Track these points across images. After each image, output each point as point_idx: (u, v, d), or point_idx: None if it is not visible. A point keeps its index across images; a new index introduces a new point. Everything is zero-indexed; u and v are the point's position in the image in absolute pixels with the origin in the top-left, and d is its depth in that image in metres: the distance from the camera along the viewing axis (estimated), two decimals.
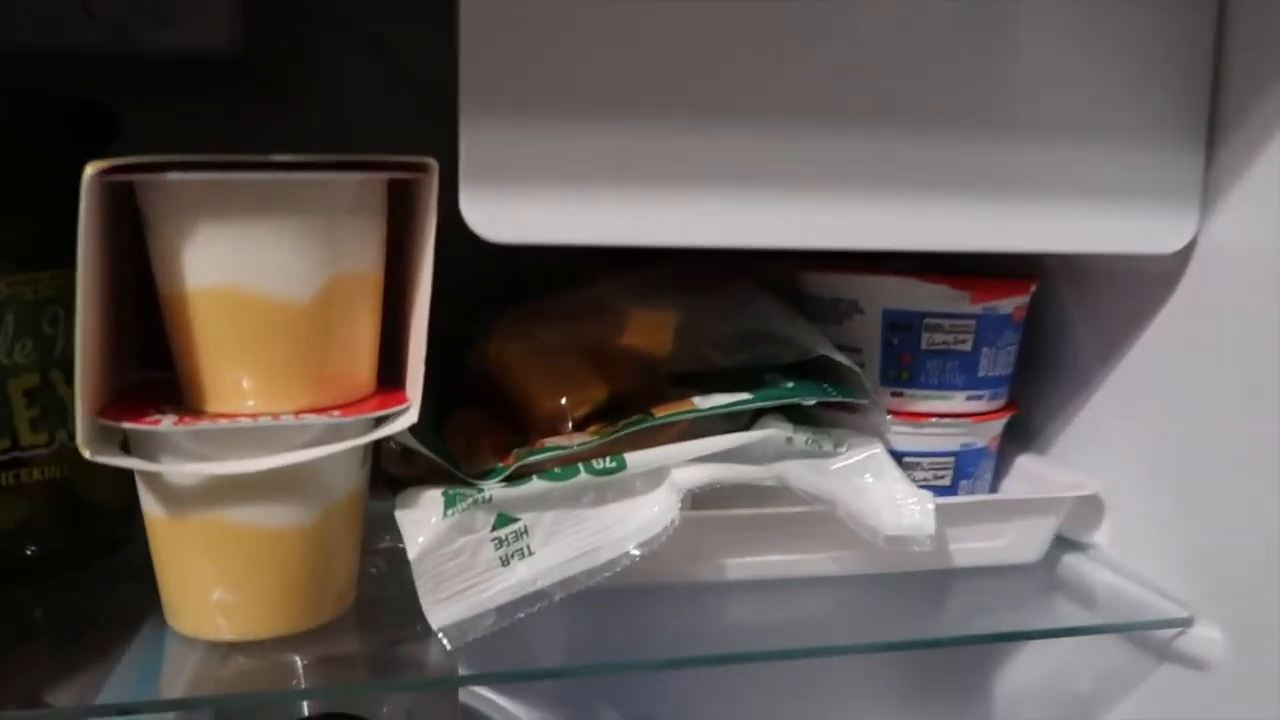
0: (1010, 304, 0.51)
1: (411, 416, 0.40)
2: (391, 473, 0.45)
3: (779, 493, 0.46)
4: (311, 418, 0.39)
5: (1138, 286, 0.50)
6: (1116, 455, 0.52)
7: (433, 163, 0.38)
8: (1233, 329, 0.44)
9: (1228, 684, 0.44)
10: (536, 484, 0.42)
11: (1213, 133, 0.44)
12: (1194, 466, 0.47)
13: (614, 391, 0.50)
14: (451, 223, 0.38)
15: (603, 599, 0.46)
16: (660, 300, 0.51)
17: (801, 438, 0.47)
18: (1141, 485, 0.50)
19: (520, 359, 0.50)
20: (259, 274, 0.38)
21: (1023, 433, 0.57)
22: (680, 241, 0.39)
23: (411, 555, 0.39)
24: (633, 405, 0.48)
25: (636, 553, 0.42)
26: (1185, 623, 0.46)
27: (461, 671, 0.43)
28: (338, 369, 0.41)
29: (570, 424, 0.48)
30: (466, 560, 0.40)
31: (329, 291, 0.39)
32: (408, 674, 0.42)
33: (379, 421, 0.41)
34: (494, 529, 0.41)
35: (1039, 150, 0.42)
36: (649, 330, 0.50)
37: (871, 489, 0.47)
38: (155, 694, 0.41)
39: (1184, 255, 0.46)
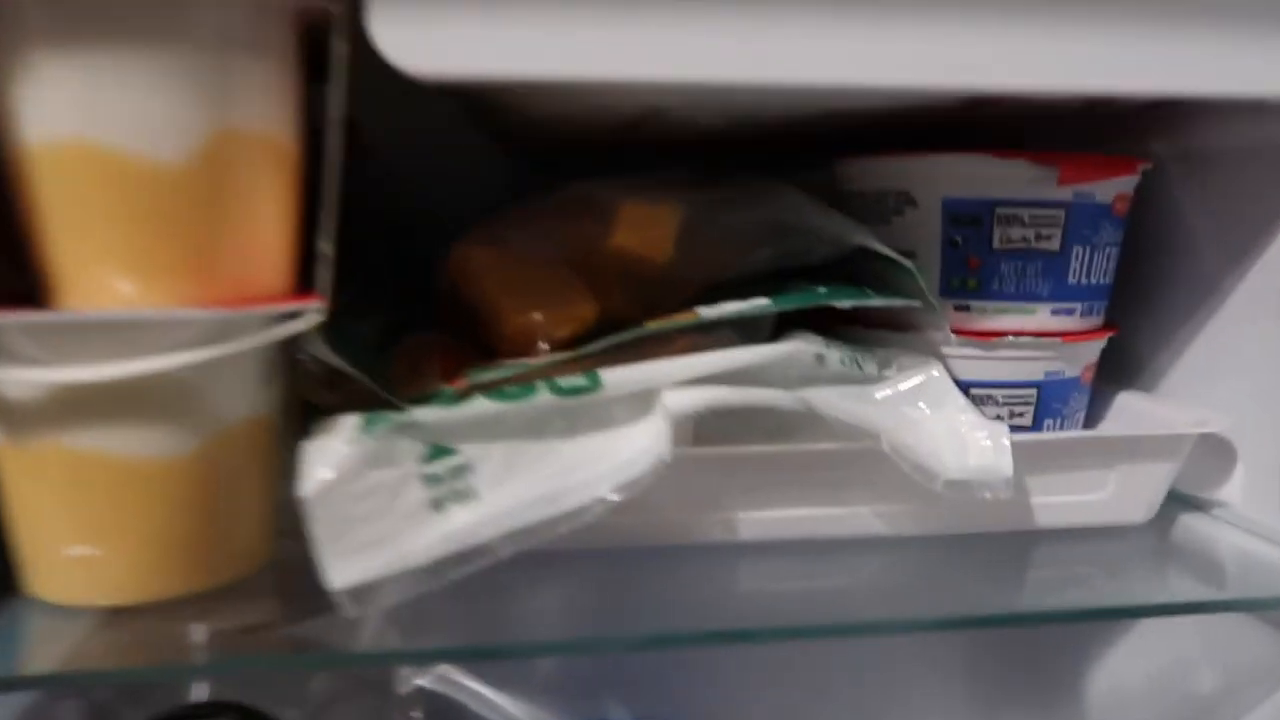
0: (1110, 188, 0.39)
1: (316, 314, 0.30)
2: (314, 402, 0.36)
3: (807, 426, 0.36)
4: (178, 311, 0.30)
5: (1275, 164, 0.38)
6: (1249, 389, 0.40)
7: None
8: None
9: None
10: (482, 404, 0.32)
11: None
12: None
13: (606, 311, 0.40)
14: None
15: (581, 563, 0.36)
16: (659, 194, 0.41)
17: (836, 355, 0.36)
18: None
19: (487, 268, 0.41)
20: (117, 122, 0.29)
21: (1125, 363, 0.45)
22: (662, 74, 0.29)
23: (305, 492, 0.29)
24: (630, 326, 0.38)
25: (614, 497, 0.32)
26: None
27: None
28: (229, 258, 0.32)
29: (547, 347, 0.39)
30: (384, 501, 0.31)
31: (213, 152, 0.30)
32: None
33: (279, 323, 0.31)
34: (426, 461, 0.31)
35: None
36: (643, 226, 0.40)
37: (927, 421, 0.36)
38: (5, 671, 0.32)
39: None
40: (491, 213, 0.46)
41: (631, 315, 0.39)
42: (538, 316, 0.39)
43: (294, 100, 0.33)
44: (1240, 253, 0.41)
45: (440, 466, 0.32)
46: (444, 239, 0.45)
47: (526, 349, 0.39)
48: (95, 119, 0.29)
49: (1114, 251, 0.41)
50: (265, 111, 0.32)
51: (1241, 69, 0.32)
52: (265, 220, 0.32)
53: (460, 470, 0.32)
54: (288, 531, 0.35)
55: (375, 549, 0.30)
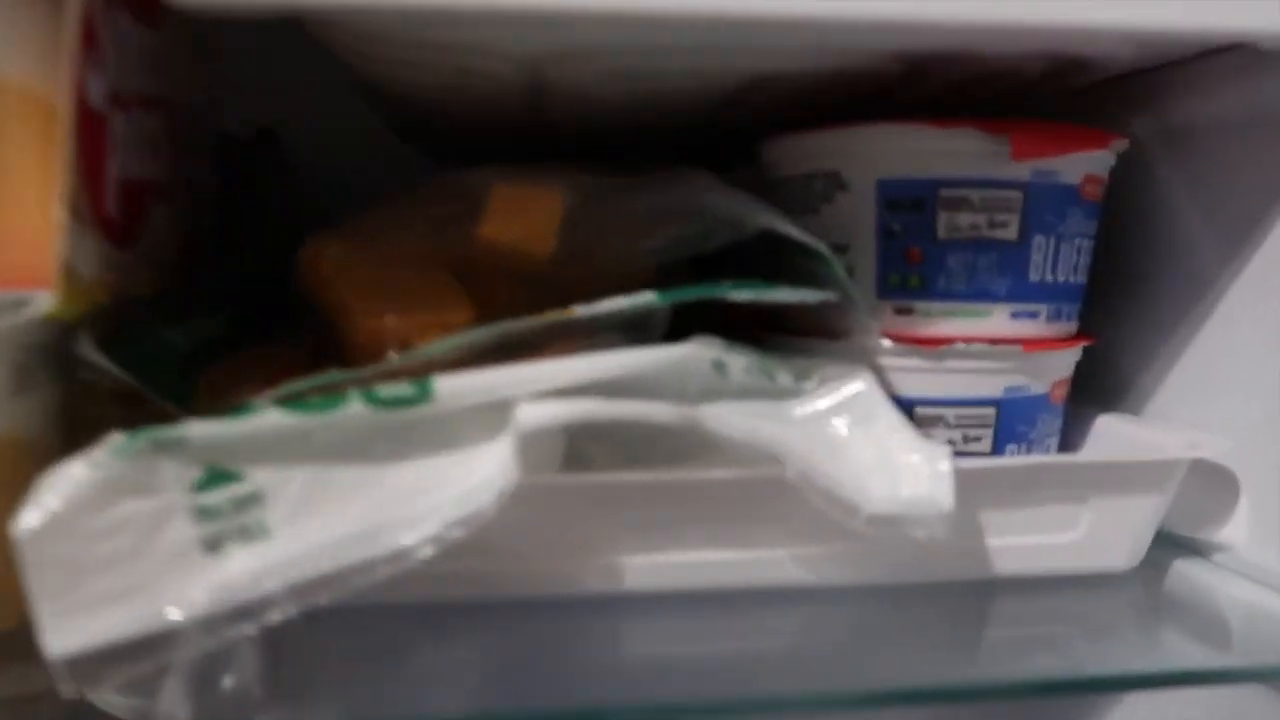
0: (1077, 167, 0.33)
1: (45, 300, 0.24)
2: (107, 419, 0.29)
3: (709, 454, 0.29)
4: None
5: (1275, 138, 0.32)
6: (1253, 408, 0.33)
7: None
8: None
9: None
10: (275, 417, 0.25)
11: None
12: None
13: (483, 314, 0.33)
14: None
15: (425, 620, 0.29)
16: (542, 179, 0.35)
17: (740, 362, 0.30)
18: None
19: (339, 266, 0.34)
20: None
21: (1105, 379, 0.39)
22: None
23: (19, 529, 0.23)
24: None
25: (450, 534, 0.26)
26: None
27: None
28: None
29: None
30: (136, 540, 0.24)
31: None
32: None
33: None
34: (198, 490, 0.25)
35: None
36: (520, 215, 0.34)
37: (851, 442, 0.29)
38: None
39: None
40: None
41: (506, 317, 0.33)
42: (392, 320, 0.32)
43: (44, 39, 0.27)
44: (1237, 243, 0.34)
45: (218, 496, 0.25)
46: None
47: (379, 359, 0.32)
48: None
49: (1085, 244, 0.35)
50: (10, 51, 0.26)
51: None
52: (12, 184, 0.26)
53: (246, 501, 0.25)
54: None
55: (118, 603, 0.23)
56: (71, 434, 0.29)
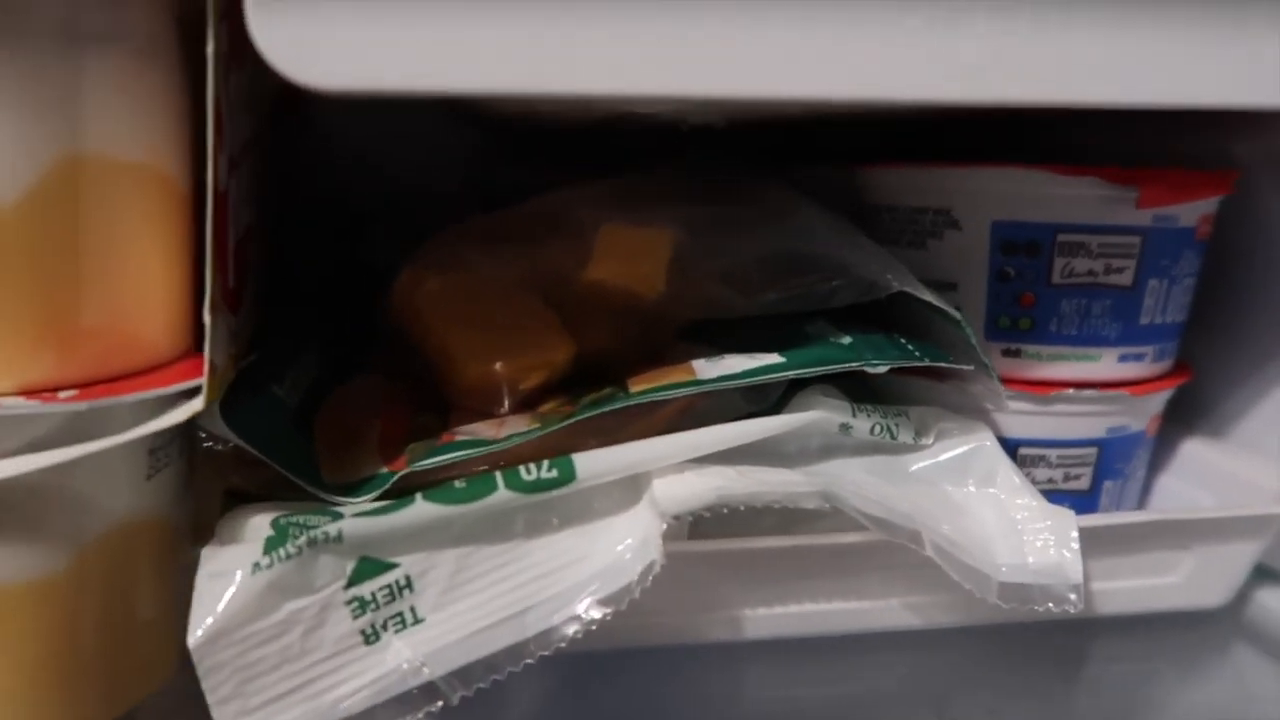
0: (1195, 211, 0.33)
1: (196, 402, 0.24)
2: (226, 484, 0.29)
3: (832, 521, 0.29)
4: (17, 404, 0.23)
5: None
6: None
7: None
8: None
9: None
10: (423, 507, 0.25)
11: None
12: None
13: (582, 352, 0.33)
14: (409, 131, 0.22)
15: (555, 668, 0.30)
16: (650, 212, 0.34)
17: (865, 424, 0.30)
18: None
19: (438, 301, 0.34)
20: None
21: (1192, 406, 0.39)
22: (613, 87, 0.22)
23: (192, 640, 0.23)
24: (610, 374, 0.31)
25: (594, 615, 0.26)
26: None
27: None
28: (93, 321, 0.24)
29: (510, 401, 0.32)
30: (300, 640, 0.24)
31: (58, 186, 0.23)
32: None
33: (165, 405, 0.24)
34: (352, 583, 0.25)
35: None
36: (632, 254, 0.33)
37: (975, 504, 0.30)
38: None
39: None
40: (460, 209, 0.39)
41: (610, 357, 0.32)
42: (500, 365, 0.32)
43: (178, 114, 0.25)
44: None
45: (371, 586, 0.25)
46: (390, 247, 0.38)
47: (486, 402, 0.32)
48: None
49: (1192, 283, 0.34)
50: (133, 130, 0.24)
51: None
52: (142, 270, 0.25)
53: (397, 590, 0.25)
54: None
55: (289, 702, 0.24)
56: (197, 500, 0.29)
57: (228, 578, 0.23)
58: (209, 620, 0.23)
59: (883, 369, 0.29)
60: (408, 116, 0.49)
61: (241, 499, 0.28)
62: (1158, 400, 0.35)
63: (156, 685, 0.29)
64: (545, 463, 0.27)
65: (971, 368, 0.30)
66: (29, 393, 0.23)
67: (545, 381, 0.32)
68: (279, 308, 0.36)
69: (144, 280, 0.25)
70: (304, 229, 0.43)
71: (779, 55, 0.22)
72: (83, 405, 0.23)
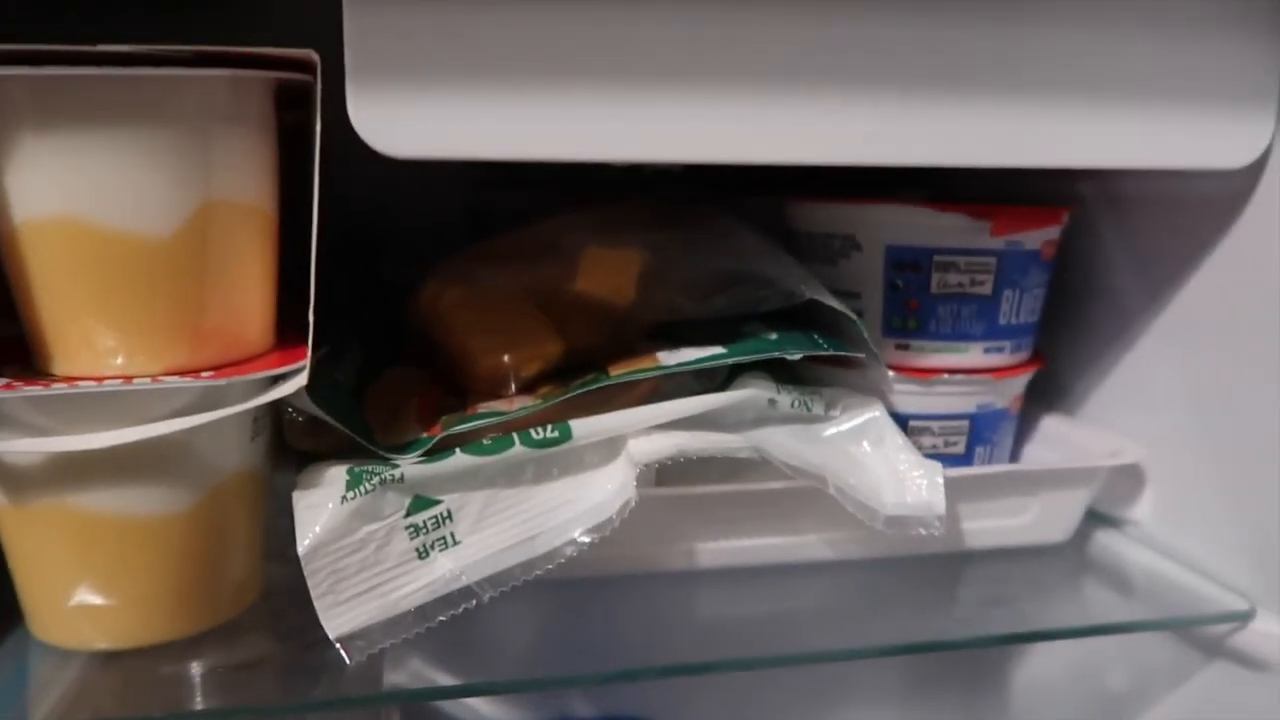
0: (1038, 237, 0.43)
1: (301, 379, 0.32)
2: (298, 448, 0.38)
3: (760, 465, 0.39)
4: (174, 380, 0.31)
5: (1193, 213, 0.42)
6: (1163, 416, 0.44)
7: (313, 55, 0.31)
8: None
9: None
10: (461, 458, 0.34)
11: None
12: (1256, 428, 0.39)
13: (571, 347, 0.42)
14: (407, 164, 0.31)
15: (552, 592, 0.39)
16: (623, 237, 0.43)
17: (787, 399, 0.39)
18: (1192, 451, 0.42)
19: (457, 308, 0.43)
20: (105, 200, 0.31)
21: (1050, 391, 0.49)
22: (622, 154, 0.31)
23: (301, 549, 0.32)
24: (593, 364, 0.40)
25: (585, 539, 0.35)
26: (1244, 616, 0.38)
27: (387, 677, 0.36)
28: (216, 322, 0.33)
29: (515, 385, 0.41)
30: (373, 553, 0.33)
31: (199, 224, 0.32)
32: (327, 682, 0.35)
33: (266, 384, 0.33)
34: (409, 514, 0.34)
35: (1084, 39, 0.34)
36: (609, 272, 0.42)
37: (869, 459, 0.39)
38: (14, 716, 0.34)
39: (1252, 173, 0.38)
40: (446, 238, 0.48)
41: (593, 351, 0.41)
42: (507, 358, 0.41)
43: (272, 168, 0.34)
44: (1157, 288, 0.44)
45: (423, 517, 0.34)
46: (403, 264, 0.47)
47: (496, 387, 0.41)
48: (87, 199, 0.30)
49: (1041, 292, 0.44)
50: (246, 181, 0.33)
51: (1159, 144, 0.36)
52: (249, 284, 0.34)
53: (442, 519, 0.34)
54: (274, 556, 0.38)
55: (367, 598, 0.33)
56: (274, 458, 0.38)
57: (322, 507, 0.32)
58: (309, 536, 0.32)
59: (798, 356, 0.38)
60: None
61: (314, 459, 0.37)
62: (1017, 383, 0.45)
63: (247, 604, 0.37)
64: (549, 426, 0.36)
65: (864, 356, 0.40)
66: (172, 374, 0.32)
67: (541, 370, 0.42)
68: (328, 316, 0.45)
69: (250, 292, 0.34)
70: (333, 252, 0.52)
71: (749, 131, 0.32)
72: (221, 381, 0.32)
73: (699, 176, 0.56)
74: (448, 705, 0.61)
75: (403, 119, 0.30)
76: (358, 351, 0.44)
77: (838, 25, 0.32)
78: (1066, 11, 0.33)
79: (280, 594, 0.38)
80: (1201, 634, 0.40)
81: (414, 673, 0.40)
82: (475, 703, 0.60)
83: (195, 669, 0.35)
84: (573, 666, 0.37)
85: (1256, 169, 0.37)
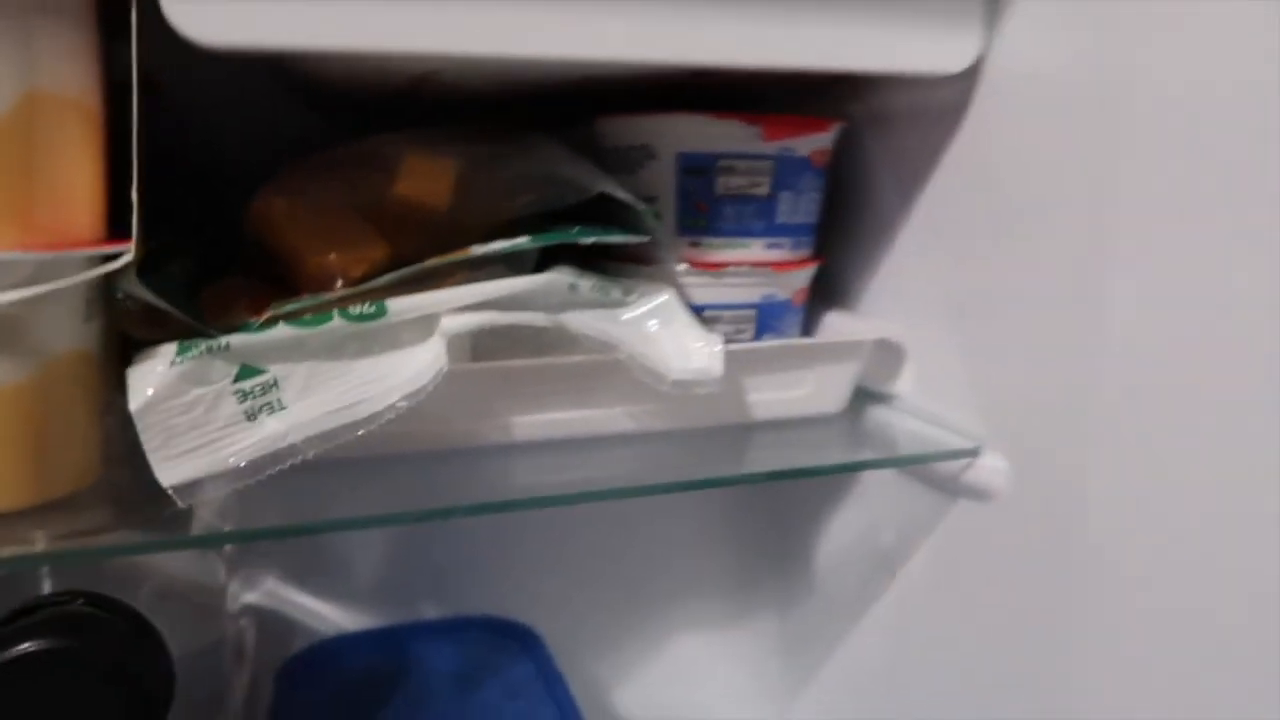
0: (807, 144, 0.49)
1: (128, 257, 0.36)
2: (136, 336, 0.41)
3: (566, 343, 0.44)
4: (8, 254, 0.34)
5: (929, 120, 0.48)
6: (918, 302, 0.51)
7: None
8: (1022, 159, 0.44)
9: (1015, 512, 0.44)
10: (284, 330, 0.38)
11: None
12: (989, 305, 0.46)
13: (396, 252, 0.46)
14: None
15: (378, 465, 0.43)
16: (439, 148, 0.47)
17: (587, 284, 0.44)
18: (942, 330, 0.49)
19: (287, 216, 0.46)
20: None
21: (833, 289, 0.56)
22: (428, 46, 0.36)
23: (133, 407, 0.35)
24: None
25: (403, 404, 0.39)
26: (971, 453, 0.45)
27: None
28: (45, 214, 0.36)
29: (343, 285, 0.45)
30: (203, 414, 0.36)
31: (22, 114, 0.34)
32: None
33: (96, 264, 0.36)
34: (236, 380, 0.37)
35: None
36: (425, 178, 0.46)
37: (660, 334, 0.45)
38: None
39: (970, 82, 0.45)
40: (288, 161, 0.51)
41: (418, 256, 0.46)
42: (334, 257, 0.45)
43: (95, 61, 0.37)
44: (909, 190, 0.51)
45: (250, 384, 0.38)
46: (246, 186, 0.50)
47: (325, 286, 0.45)
48: None
49: (816, 195, 0.51)
50: (69, 73, 0.36)
51: (895, 50, 0.42)
52: (76, 176, 0.37)
53: (268, 386, 0.38)
54: (115, 459, 0.40)
55: (198, 453, 0.36)
56: (111, 348, 0.41)
57: (153, 369, 0.36)
58: (142, 395, 0.35)
59: (590, 239, 0.44)
60: (250, 101, 0.61)
61: (144, 347, 0.40)
62: (797, 277, 0.51)
63: (86, 482, 0.40)
64: (367, 303, 0.40)
65: (651, 239, 0.45)
66: None
67: (367, 273, 0.45)
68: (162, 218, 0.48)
69: (77, 185, 0.37)
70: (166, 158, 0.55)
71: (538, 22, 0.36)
72: (49, 255, 0.35)
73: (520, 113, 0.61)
74: (302, 616, 0.65)
75: (212, 5, 0.33)
76: (193, 255, 0.47)
77: None
78: None
79: (123, 488, 0.41)
80: (943, 475, 0.48)
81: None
82: (328, 611, 0.64)
83: (34, 535, 0.38)
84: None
85: (971, 76, 0.44)
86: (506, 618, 0.64)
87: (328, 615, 0.65)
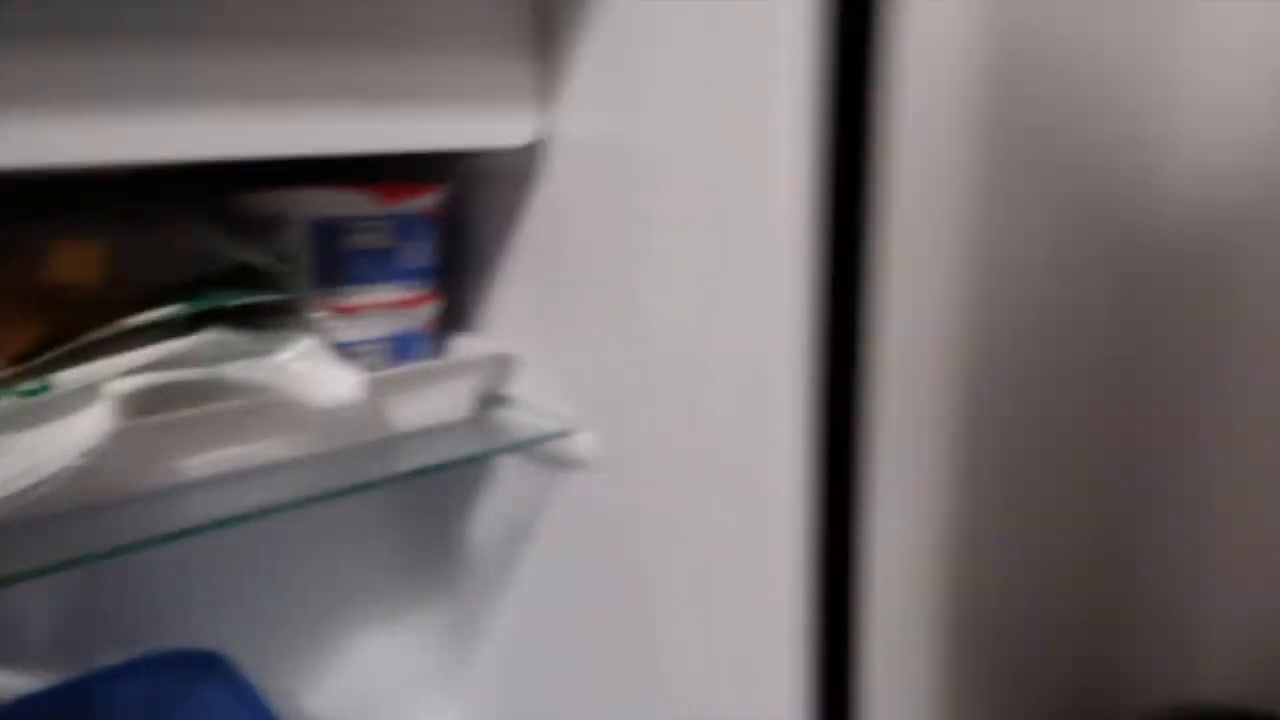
0: (417, 204, 0.60)
1: None
2: None
3: (228, 393, 0.52)
4: None
5: (515, 178, 0.61)
6: (520, 320, 0.64)
7: None
8: (579, 203, 0.57)
9: (605, 477, 0.59)
10: None
11: (546, 38, 0.56)
12: (563, 317, 0.60)
13: (57, 330, 0.51)
14: None
15: (55, 520, 0.49)
16: (82, 232, 0.53)
17: (238, 338, 0.53)
18: (537, 340, 0.63)
19: None
20: None
21: (460, 316, 0.68)
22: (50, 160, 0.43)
23: None
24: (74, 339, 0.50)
25: (78, 462, 0.46)
26: (564, 434, 0.59)
27: None
28: None
29: (5, 364, 0.50)
30: None
31: None
32: None
33: None
34: None
35: (375, 59, 0.50)
36: (72, 262, 0.52)
37: (306, 373, 0.54)
38: None
39: (539, 149, 0.58)
40: None
41: (78, 331, 0.51)
42: None
43: None
44: (502, 238, 0.64)
45: None
46: None
47: None
48: None
49: (430, 245, 0.62)
50: None
51: (460, 131, 0.54)
52: None
53: None
54: None
55: None
56: None
57: None
58: None
59: (236, 303, 0.52)
60: None
61: None
62: (423, 313, 0.62)
63: None
64: (35, 380, 0.46)
65: (292, 297, 0.54)
66: None
67: (20, 351, 0.51)
68: None
69: None
70: None
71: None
72: None
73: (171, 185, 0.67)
74: None
75: None
76: None
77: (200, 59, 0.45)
78: (363, 41, 0.50)
79: None
80: (550, 455, 0.61)
81: None
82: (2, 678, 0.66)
83: None
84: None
85: (539, 144, 0.57)
86: (189, 648, 0.67)
87: (2, 682, 0.66)
